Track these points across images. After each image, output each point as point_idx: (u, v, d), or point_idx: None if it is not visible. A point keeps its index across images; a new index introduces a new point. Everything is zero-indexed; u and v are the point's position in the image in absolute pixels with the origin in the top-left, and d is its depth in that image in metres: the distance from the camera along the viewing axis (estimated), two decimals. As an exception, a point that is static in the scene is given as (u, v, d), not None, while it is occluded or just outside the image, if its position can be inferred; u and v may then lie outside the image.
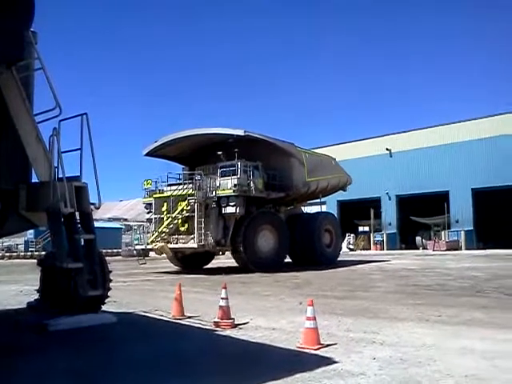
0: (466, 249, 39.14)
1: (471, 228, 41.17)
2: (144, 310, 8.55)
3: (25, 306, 8.06)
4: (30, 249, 44.21)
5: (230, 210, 18.71)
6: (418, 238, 45.10)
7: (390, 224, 46.16)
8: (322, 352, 5.27)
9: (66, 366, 4.91)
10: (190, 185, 19.18)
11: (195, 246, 18.44)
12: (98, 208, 7.47)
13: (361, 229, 48.09)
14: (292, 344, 5.63)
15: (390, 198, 46.20)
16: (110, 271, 7.62)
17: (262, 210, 20.68)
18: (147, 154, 23.04)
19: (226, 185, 19.33)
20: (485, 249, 37.75)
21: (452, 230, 42.08)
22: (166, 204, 19.48)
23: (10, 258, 38.88)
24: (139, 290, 12.60)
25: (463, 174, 40.75)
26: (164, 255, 20.49)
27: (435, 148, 42.61)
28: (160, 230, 19.15)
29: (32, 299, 8.00)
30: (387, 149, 45.98)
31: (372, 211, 45.77)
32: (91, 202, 7.39)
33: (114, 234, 53.69)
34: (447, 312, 7.91)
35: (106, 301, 7.51)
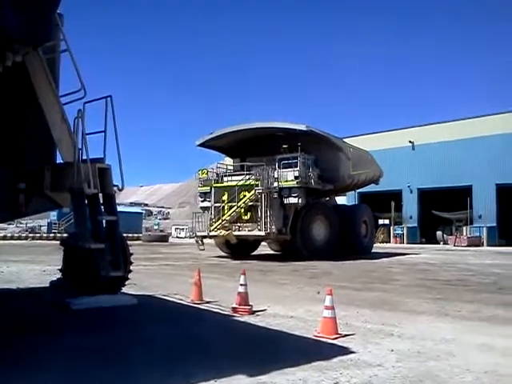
0: (488, 245, 38.47)
1: (494, 224, 40.41)
2: (163, 294, 8.64)
3: (48, 285, 8.23)
4: (52, 230, 45.15)
5: (292, 200, 19.50)
6: (439, 233, 44.52)
7: (410, 217, 45.64)
8: (339, 342, 5.25)
9: (87, 344, 5.00)
10: (251, 175, 19.97)
11: (262, 233, 19.31)
12: (121, 190, 7.54)
13: (381, 221, 47.62)
14: (309, 332, 5.62)
15: (411, 192, 45.63)
16: (131, 253, 7.72)
17: (317, 201, 21.64)
18: (200, 145, 23.75)
19: (286, 176, 19.86)
20: (507, 246, 37.03)
21: (474, 225, 41.38)
22: (226, 193, 20.13)
23: (33, 238, 39.77)
24: (159, 274, 12.75)
25: (487, 169, 39.91)
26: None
27: (459, 142, 41.79)
28: (223, 218, 19.83)
29: (55, 278, 8.16)
30: (410, 141, 45.33)
31: (393, 204, 45.32)
32: (114, 184, 7.47)
33: (135, 219, 54.31)
34: (467, 307, 7.80)
35: (126, 283, 7.62)
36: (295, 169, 19.91)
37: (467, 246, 36.78)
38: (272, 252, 23.97)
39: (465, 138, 41.65)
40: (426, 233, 45.69)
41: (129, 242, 8.53)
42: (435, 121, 46.04)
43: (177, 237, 59.61)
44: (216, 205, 20.49)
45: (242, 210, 19.77)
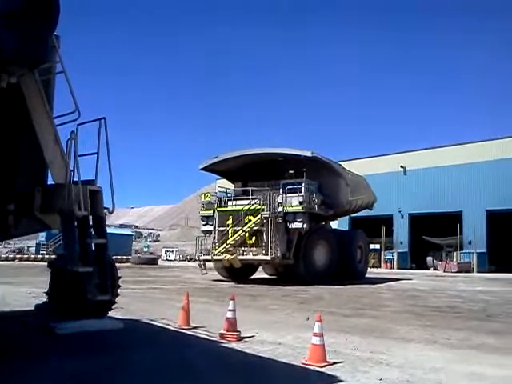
0: (478, 271, 38.50)
1: (484, 250, 40.56)
2: (150, 318, 8.54)
3: (33, 307, 8.10)
4: (40, 251, 44.63)
5: (297, 225, 19.74)
6: (429, 258, 44.52)
7: (401, 243, 45.69)
8: (327, 370, 5.20)
9: (71, 369, 4.91)
10: (255, 200, 20.23)
11: (268, 258, 19.46)
12: (111, 212, 7.50)
13: (372, 246, 47.57)
14: (297, 360, 5.56)
15: (402, 217, 45.80)
16: (120, 277, 7.65)
17: (319, 226, 22.12)
18: (203, 169, 23.93)
19: (291, 201, 20.07)
20: (497, 272, 37.12)
21: (464, 251, 41.50)
22: (231, 217, 20.30)
23: (20, 259, 39.24)
24: (146, 298, 12.61)
25: (477, 195, 40.28)
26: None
27: (450, 167, 42.25)
28: (227, 242, 19.93)
29: (41, 301, 8.04)
30: (402, 166, 45.74)
31: (384, 229, 45.41)
32: (105, 206, 7.44)
33: (125, 241, 53.84)
34: (457, 335, 7.77)
35: (113, 307, 7.53)
36: (300, 194, 20.13)
37: (457, 271, 36.78)
38: (267, 276, 23.88)
39: (456, 163, 42.12)
40: (416, 258, 45.67)
41: (118, 265, 8.45)
42: (427, 146, 46.66)
43: (166, 259, 59.17)
44: (220, 228, 20.59)
45: (247, 235, 19.92)
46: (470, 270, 38.68)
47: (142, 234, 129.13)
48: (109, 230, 7.79)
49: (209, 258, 20.75)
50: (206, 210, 21.78)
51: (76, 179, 7.16)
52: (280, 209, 19.79)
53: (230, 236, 20.12)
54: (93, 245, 7.17)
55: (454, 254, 42.10)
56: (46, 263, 8.26)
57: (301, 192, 20.17)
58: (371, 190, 27.89)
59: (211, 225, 21.16)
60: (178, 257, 60.49)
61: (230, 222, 20.38)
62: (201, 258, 21.34)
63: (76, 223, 7.06)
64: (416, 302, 13.55)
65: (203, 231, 22.03)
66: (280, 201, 20.03)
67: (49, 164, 7.34)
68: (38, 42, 6.56)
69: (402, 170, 45.77)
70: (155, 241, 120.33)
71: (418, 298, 14.90)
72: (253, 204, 20.20)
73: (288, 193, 20.33)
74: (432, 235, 44.19)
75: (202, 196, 22.73)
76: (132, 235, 71.19)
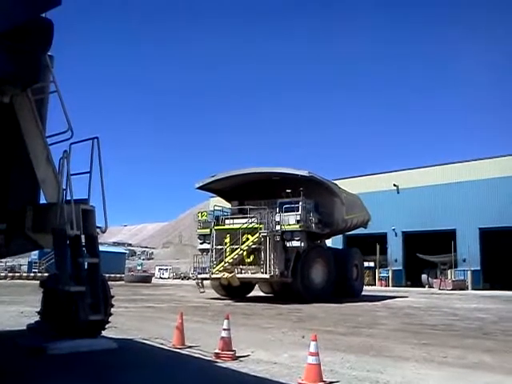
0: (473, 289, 38.52)
1: (478, 268, 40.61)
2: (144, 338, 8.42)
3: (25, 327, 7.97)
4: (33, 270, 44.24)
5: (295, 243, 19.90)
6: (424, 276, 44.50)
7: (395, 260, 45.67)
8: (323, 389, 5.13)
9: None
10: (253, 219, 20.34)
11: (267, 276, 19.57)
12: (104, 232, 7.45)
13: (366, 264, 47.47)
14: (293, 379, 5.48)
15: (396, 235, 45.88)
16: (113, 296, 7.56)
17: (316, 245, 22.34)
18: (199, 188, 24.09)
19: (288, 220, 20.18)
20: (492, 289, 37.11)
21: (459, 269, 41.53)
22: (229, 236, 20.30)
23: (12, 278, 38.79)
24: (140, 317, 12.46)
25: (471, 213, 40.50)
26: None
27: (443, 186, 42.57)
28: (225, 261, 19.93)
29: (32, 321, 7.91)
30: (395, 185, 45.96)
31: (378, 247, 45.40)
32: (97, 225, 7.38)
33: (118, 259, 53.53)
34: (453, 353, 7.70)
35: (106, 326, 7.42)
36: (297, 213, 20.25)
37: (452, 289, 36.72)
38: (263, 294, 23.73)
39: (448, 182, 42.44)
40: (411, 276, 45.62)
41: (111, 283, 8.37)
42: (419, 165, 47.00)
43: (160, 277, 58.75)
44: (218, 247, 20.57)
45: (245, 253, 19.92)
46: (464, 288, 38.68)
47: (135, 252, 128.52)
48: (102, 248, 7.73)
49: (207, 276, 20.71)
50: (203, 228, 21.86)
51: (68, 198, 7.13)
52: (278, 227, 19.86)
53: (227, 254, 20.12)
54: (85, 264, 7.10)
55: (449, 271, 42.12)
56: (39, 282, 8.16)
57: (298, 211, 20.28)
58: (366, 209, 28.15)
59: (208, 243, 21.15)
60: (171, 275, 60.12)
61: (227, 240, 20.42)
62: (198, 276, 21.26)
63: (68, 242, 7.00)
64: (412, 320, 13.47)
65: (200, 249, 22.05)
66: (277, 219, 20.12)
67: (41, 183, 7.31)
68: (30, 62, 6.58)
69: (396, 188, 46.00)
70: (149, 259, 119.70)
71: (414, 315, 14.83)
72: (250, 222, 20.24)
73: (285, 211, 20.41)
74: (426, 253, 44.23)
75: (199, 215, 22.80)
76: (125, 253, 70.86)
